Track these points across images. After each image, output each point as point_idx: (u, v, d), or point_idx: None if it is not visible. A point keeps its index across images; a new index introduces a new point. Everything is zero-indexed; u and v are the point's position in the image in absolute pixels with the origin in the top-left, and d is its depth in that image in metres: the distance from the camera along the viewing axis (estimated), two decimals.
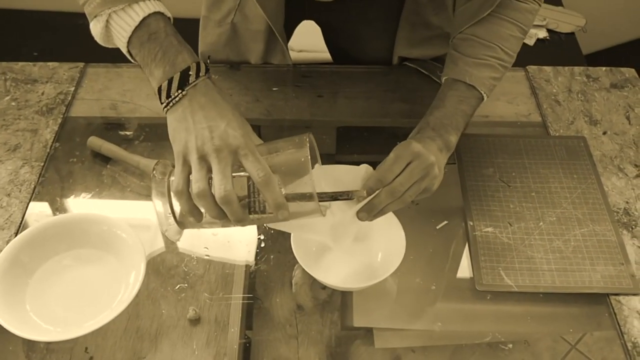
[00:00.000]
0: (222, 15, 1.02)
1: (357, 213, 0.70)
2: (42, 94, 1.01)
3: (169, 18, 0.69)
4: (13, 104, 0.99)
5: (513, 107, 1.01)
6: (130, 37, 0.67)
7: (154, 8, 0.67)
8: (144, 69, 0.68)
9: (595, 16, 2.21)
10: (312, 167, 0.64)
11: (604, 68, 1.08)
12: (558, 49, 2.13)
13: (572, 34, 2.19)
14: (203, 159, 0.61)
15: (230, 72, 1.05)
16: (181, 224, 0.67)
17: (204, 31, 1.06)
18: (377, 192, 0.69)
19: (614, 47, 2.35)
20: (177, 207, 0.66)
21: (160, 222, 0.66)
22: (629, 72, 1.08)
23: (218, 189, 0.60)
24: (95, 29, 0.69)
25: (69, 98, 1.00)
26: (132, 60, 0.69)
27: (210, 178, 0.61)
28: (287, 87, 1.03)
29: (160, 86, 0.65)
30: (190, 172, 0.62)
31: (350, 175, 0.71)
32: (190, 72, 0.64)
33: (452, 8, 0.92)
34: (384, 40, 1.05)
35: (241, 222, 0.63)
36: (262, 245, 0.81)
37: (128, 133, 0.95)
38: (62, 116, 0.97)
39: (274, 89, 1.02)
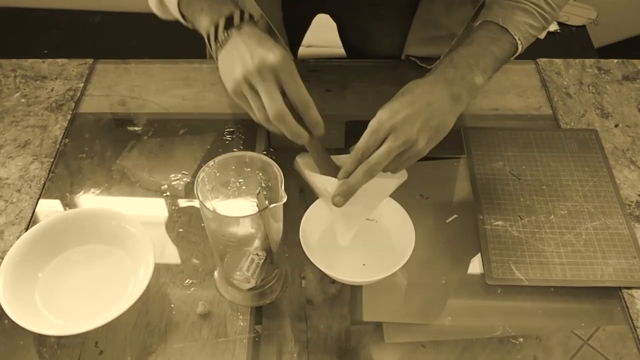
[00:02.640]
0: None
1: (333, 198, 0.68)
2: (52, 90, 1.01)
3: None
4: (23, 100, 0.99)
5: (523, 100, 1.00)
6: None
7: None
8: (195, 24, 0.72)
9: (607, 9, 2.19)
10: None
11: (615, 60, 1.07)
12: (569, 42, 2.12)
13: (583, 26, 2.18)
14: (251, 86, 0.64)
15: None
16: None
17: None
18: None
19: (625, 40, 2.33)
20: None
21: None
22: None
23: (270, 109, 0.63)
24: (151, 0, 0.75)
25: (78, 94, 1.00)
26: (185, 23, 0.75)
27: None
28: None
29: (208, 34, 0.69)
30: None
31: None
32: (234, 16, 0.68)
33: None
34: (395, 39, 1.04)
35: (299, 137, 0.66)
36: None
37: (137, 129, 0.96)
38: (71, 112, 0.97)
39: None
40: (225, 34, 0.67)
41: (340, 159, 0.73)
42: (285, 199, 0.63)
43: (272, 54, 0.64)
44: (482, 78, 0.74)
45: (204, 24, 0.70)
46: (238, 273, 0.71)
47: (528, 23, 0.76)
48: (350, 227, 0.76)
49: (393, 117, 0.67)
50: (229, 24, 0.68)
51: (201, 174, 0.66)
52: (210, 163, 0.67)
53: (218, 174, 0.69)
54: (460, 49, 0.75)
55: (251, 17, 0.69)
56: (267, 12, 0.93)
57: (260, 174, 0.69)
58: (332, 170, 0.71)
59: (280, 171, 0.66)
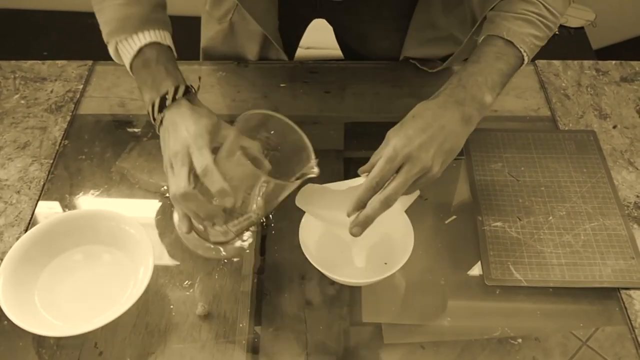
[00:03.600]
0: (221, 13, 1.03)
1: (350, 229, 0.68)
2: (51, 92, 1.01)
3: (168, 46, 0.76)
4: (22, 102, 0.99)
5: (522, 102, 1.01)
6: (130, 64, 0.76)
7: (151, 38, 0.74)
8: (141, 93, 0.75)
9: (605, 11, 2.19)
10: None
11: (613, 62, 1.07)
12: (567, 44, 2.12)
13: (582, 28, 2.18)
14: (170, 166, 0.69)
15: (238, 69, 1.05)
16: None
17: (205, 26, 1.08)
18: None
19: (623, 41, 2.33)
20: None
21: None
22: (639, 65, 1.07)
23: (172, 188, 0.67)
24: (111, 53, 0.78)
25: (78, 96, 1.00)
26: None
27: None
28: (294, 83, 1.03)
29: (148, 111, 0.73)
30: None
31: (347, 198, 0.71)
32: (167, 96, 0.71)
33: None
34: (393, 40, 1.04)
35: (223, 195, 0.66)
36: (271, 240, 0.81)
37: (136, 130, 0.96)
38: (70, 114, 0.97)
39: (282, 85, 1.02)
40: (160, 116, 0.71)
41: (339, 186, 0.74)
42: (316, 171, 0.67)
43: (186, 133, 0.67)
44: (491, 96, 0.73)
45: (146, 100, 0.74)
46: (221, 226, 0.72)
47: (532, 34, 0.75)
48: (364, 247, 0.77)
49: (408, 144, 0.67)
50: (162, 104, 0.71)
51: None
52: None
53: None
54: (468, 67, 0.74)
55: (187, 91, 0.72)
56: (262, 20, 0.94)
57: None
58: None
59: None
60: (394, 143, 0.67)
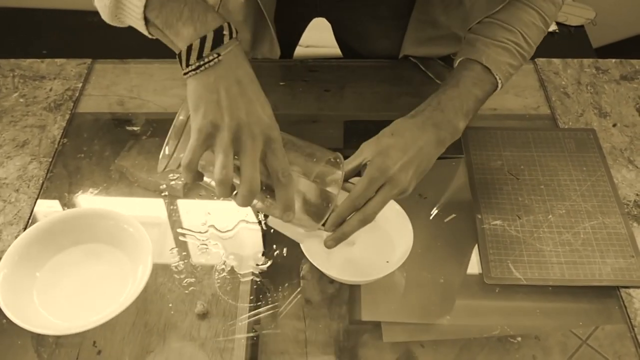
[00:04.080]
0: None
1: (326, 242, 0.70)
2: (50, 90, 1.01)
3: None
4: (21, 100, 0.99)
5: (521, 100, 1.00)
6: (146, 1, 0.60)
7: None
8: (167, 31, 0.60)
9: (605, 9, 2.19)
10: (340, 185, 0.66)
11: (613, 60, 1.07)
12: (567, 42, 2.12)
13: (582, 26, 2.17)
14: (235, 142, 0.57)
15: None
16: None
17: None
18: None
19: (624, 40, 2.33)
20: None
21: (161, 161, 0.62)
22: (639, 64, 1.06)
23: (245, 181, 0.57)
24: (107, 9, 0.62)
25: (77, 94, 1.00)
26: (146, 32, 0.63)
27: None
28: (294, 81, 1.03)
29: (191, 45, 0.57)
30: (207, 149, 0.58)
31: None
32: (225, 32, 0.58)
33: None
34: (392, 39, 1.04)
35: (245, 206, 0.60)
36: (270, 239, 0.81)
37: (135, 128, 0.96)
38: (69, 112, 0.97)
39: (281, 83, 1.02)
40: (215, 57, 0.57)
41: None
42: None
43: (269, 122, 0.59)
44: (464, 122, 0.76)
45: (184, 34, 0.58)
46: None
47: (509, 63, 0.78)
48: (364, 245, 0.78)
49: (392, 167, 0.69)
50: (217, 41, 0.57)
51: None
52: None
53: None
54: (448, 91, 0.76)
55: (237, 31, 0.60)
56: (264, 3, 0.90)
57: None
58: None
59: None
60: (377, 164, 0.69)
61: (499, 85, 0.78)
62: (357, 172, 0.72)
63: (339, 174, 0.66)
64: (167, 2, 0.59)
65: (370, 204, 0.68)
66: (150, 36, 0.64)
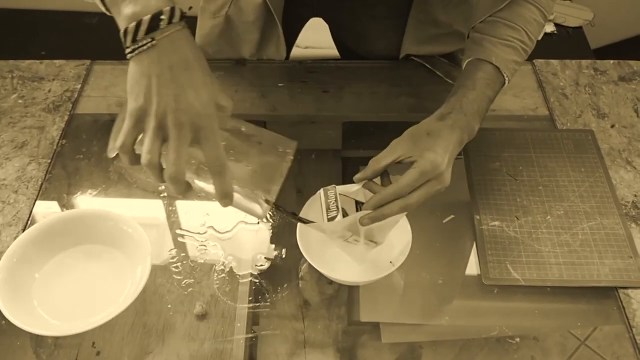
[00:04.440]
0: (217, 7, 1.00)
1: (361, 220, 0.70)
2: (49, 91, 1.01)
3: None
4: (20, 101, 0.99)
5: (520, 101, 1.01)
6: None
7: None
8: (112, 9, 0.60)
9: (603, 10, 2.19)
10: (285, 175, 0.64)
11: (611, 61, 1.07)
12: (566, 43, 2.12)
13: (580, 28, 2.18)
14: (161, 128, 0.56)
15: (235, 68, 1.05)
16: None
17: (199, 23, 1.05)
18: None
19: (622, 41, 2.33)
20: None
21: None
22: (637, 65, 1.07)
23: (169, 167, 0.57)
24: None
25: (76, 95, 1.00)
26: (103, 8, 0.62)
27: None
28: (292, 82, 1.03)
29: (127, 28, 0.56)
30: (139, 133, 0.58)
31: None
32: (163, 17, 0.56)
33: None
34: (392, 39, 1.04)
35: (182, 195, 0.60)
36: (269, 240, 0.81)
37: None
38: (68, 113, 0.97)
39: (280, 84, 1.02)
40: (147, 40, 0.56)
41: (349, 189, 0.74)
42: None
43: (201, 109, 0.56)
44: (479, 124, 0.77)
45: (124, 14, 0.57)
46: None
47: (514, 60, 0.80)
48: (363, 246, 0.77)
49: (442, 163, 0.70)
50: (154, 25, 0.56)
51: None
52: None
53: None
54: (468, 94, 0.77)
55: (183, 17, 0.58)
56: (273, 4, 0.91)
57: None
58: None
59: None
60: (430, 159, 0.69)
61: (506, 83, 0.80)
62: (385, 170, 0.72)
63: (285, 166, 0.64)
64: None
65: (415, 194, 0.69)
66: (108, 13, 0.63)
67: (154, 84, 0.56)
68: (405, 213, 0.74)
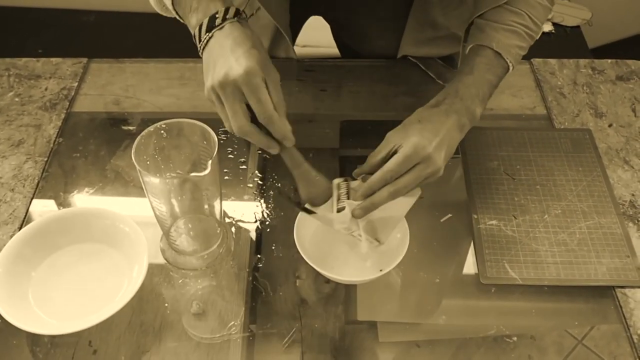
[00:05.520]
0: None
1: (354, 211, 0.70)
2: (46, 89, 1.01)
3: None
4: (17, 99, 0.99)
5: (518, 100, 1.01)
6: None
7: None
8: (185, 22, 0.72)
9: (601, 9, 2.20)
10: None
11: (609, 60, 1.07)
12: (563, 43, 2.12)
13: (578, 27, 2.18)
14: (218, 96, 0.65)
15: None
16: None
17: None
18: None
19: (620, 40, 2.34)
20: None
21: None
22: (635, 64, 1.07)
23: (232, 126, 0.65)
24: None
25: (72, 93, 1.00)
26: (180, 19, 0.74)
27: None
28: (290, 81, 1.02)
29: (194, 33, 0.68)
30: (222, 109, 0.67)
31: None
32: (217, 16, 0.67)
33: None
34: (391, 39, 1.04)
35: (269, 149, 0.68)
36: (266, 239, 0.81)
37: (131, 128, 0.95)
38: (65, 111, 0.97)
39: None
40: (207, 36, 0.67)
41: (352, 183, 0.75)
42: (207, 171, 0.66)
43: (237, 66, 0.63)
44: (480, 108, 0.77)
45: (192, 23, 0.69)
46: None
47: (518, 45, 0.80)
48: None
49: (427, 146, 0.70)
50: (211, 24, 0.67)
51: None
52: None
53: (166, 136, 0.74)
54: (464, 79, 0.78)
55: (238, 13, 0.68)
56: (275, 15, 0.93)
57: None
58: (313, 184, 0.73)
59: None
60: (414, 142, 0.70)
61: (510, 68, 0.80)
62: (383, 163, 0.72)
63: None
64: None
65: (402, 178, 0.70)
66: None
67: (211, 66, 0.66)
68: (406, 213, 0.74)
